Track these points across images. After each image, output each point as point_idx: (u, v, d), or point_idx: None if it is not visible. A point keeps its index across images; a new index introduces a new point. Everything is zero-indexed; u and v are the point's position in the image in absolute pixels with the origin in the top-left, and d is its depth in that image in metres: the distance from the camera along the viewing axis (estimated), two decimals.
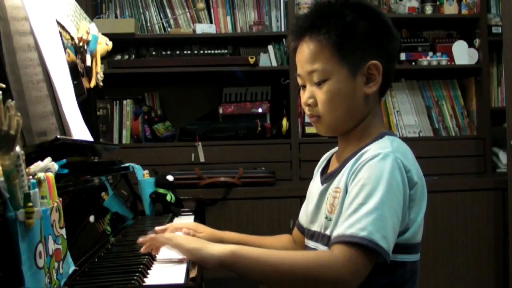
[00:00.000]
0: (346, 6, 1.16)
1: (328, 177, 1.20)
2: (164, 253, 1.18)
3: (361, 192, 1.04)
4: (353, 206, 1.04)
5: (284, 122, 2.94)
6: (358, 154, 1.11)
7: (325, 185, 1.20)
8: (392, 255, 1.06)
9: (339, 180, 1.14)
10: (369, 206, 1.02)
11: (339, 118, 1.16)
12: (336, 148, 1.29)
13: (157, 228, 1.34)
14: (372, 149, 1.10)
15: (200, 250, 1.03)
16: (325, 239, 1.15)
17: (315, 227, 1.21)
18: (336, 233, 1.05)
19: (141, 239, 1.14)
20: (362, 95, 1.15)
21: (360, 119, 1.18)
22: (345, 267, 1.00)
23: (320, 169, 1.30)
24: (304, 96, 1.19)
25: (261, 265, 1.03)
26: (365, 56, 1.14)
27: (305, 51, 1.17)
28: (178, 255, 1.11)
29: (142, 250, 1.13)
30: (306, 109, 1.21)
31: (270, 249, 1.10)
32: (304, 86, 1.20)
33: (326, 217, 1.15)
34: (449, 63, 3.06)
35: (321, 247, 1.17)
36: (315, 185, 1.27)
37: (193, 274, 1.02)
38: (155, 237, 1.12)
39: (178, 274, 1.02)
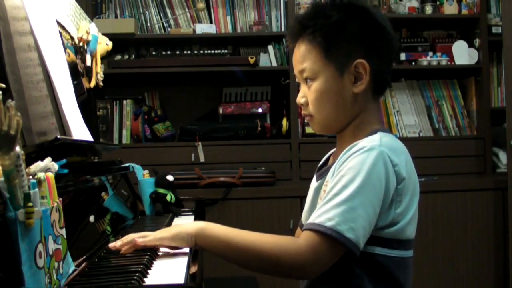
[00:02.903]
0: (335, 7, 1.17)
1: (322, 173, 1.22)
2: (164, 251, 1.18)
3: (339, 183, 1.06)
4: (329, 195, 1.06)
5: (284, 122, 2.95)
6: (347, 148, 1.12)
7: (319, 181, 1.22)
8: (376, 248, 1.08)
9: (329, 174, 1.16)
10: (341, 197, 1.04)
11: (329, 116, 1.18)
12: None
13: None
14: (360, 143, 1.11)
15: (180, 234, 1.10)
16: None
17: None
18: (308, 221, 1.07)
19: (117, 244, 1.15)
20: (350, 94, 1.16)
21: (352, 117, 1.19)
22: (304, 253, 1.03)
23: (318, 166, 1.32)
24: (298, 95, 1.22)
25: (224, 244, 1.08)
26: (352, 55, 1.15)
27: (296, 52, 1.20)
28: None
29: (122, 250, 1.15)
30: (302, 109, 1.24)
31: (239, 229, 1.12)
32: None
33: None
34: (449, 63, 3.06)
35: None
36: (312, 182, 1.29)
37: (193, 273, 1.03)
38: (133, 240, 1.14)
39: (178, 274, 1.02)
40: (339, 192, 1.05)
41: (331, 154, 1.31)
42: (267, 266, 1.07)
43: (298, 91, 1.24)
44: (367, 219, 1.04)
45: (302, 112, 1.24)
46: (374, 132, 1.15)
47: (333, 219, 1.02)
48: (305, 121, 2.93)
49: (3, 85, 1.01)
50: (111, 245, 1.17)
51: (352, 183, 1.04)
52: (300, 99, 1.21)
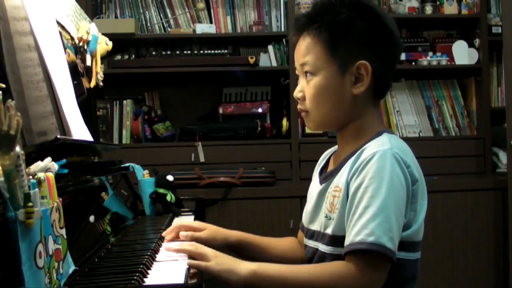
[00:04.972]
0: (344, 4, 1.16)
1: (327, 176, 1.21)
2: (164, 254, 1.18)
3: (365, 194, 1.05)
4: (359, 210, 1.05)
5: (284, 122, 2.94)
6: (357, 153, 1.11)
7: (324, 184, 1.20)
8: (400, 253, 1.08)
9: (339, 179, 1.14)
10: (374, 209, 1.03)
11: (325, 114, 1.18)
12: (335, 147, 1.29)
13: (166, 237, 1.33)
14: (371, 147, 1.10)
15: (229, 273, 1.07)
16: (326, 238, 1.15)
17: (315, 227, 1.21)
18: (346, 241, 1.06)
19: (173, 248, 1.16)
20: (349, 94, 1.15)
21: (350, 118, 1.18)
22: (360, 277, 1.03)
23: (319, 168, 1.30)
24: (296, 89, 1.22)
25: (280, 284, 1.06)
26: (356, 56, 1.13)
27: (300, 45, 1.19)
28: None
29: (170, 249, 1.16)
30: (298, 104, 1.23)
31: (288, 265, 1.11)
32: None
33: (326, 216, 1.16)
34: (449, 63, 3.06)
35: (321, 246, 1.17)
36: (314, 185, 1.27)
37: (193, 274, 1.03)
38: (188, 249, 1.13)
39: (178, 274, 1.02)
40: (369, 204, 1.04)
41: (331, 155, 1.30)
42: None
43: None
44: (398, 225, 1.05)
45: (298, 107, 1.23)
46: (379, 134, 1.14)
47: (373, 234, 1.02)
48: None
49: (3, 85, 1.01)
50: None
51: (379, 192, 1.03)
52: (297, 93, 1.21)
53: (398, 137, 1.16)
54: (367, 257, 1.02)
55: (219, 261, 1.10)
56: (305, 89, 1.19)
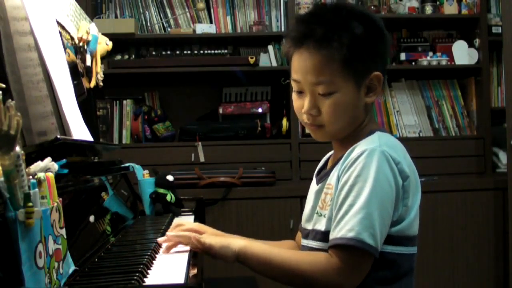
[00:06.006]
0: (353, 17, 1.14)
1: (322, 176, 1.23)
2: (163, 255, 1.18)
3: (351, 193, 1.07)
4: (344, 208, 1.08)
5: (284, 122, 2.95)
6: (348, 151, 1.13)
7: (320, 185, 1.22)
8: (387, 247, 1.10)
9: (331, 178, 1.17)
10: (357, 207, 1.06)
11: (343, 127, 1.18)
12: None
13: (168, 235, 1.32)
14: (360, 145, 1.12)
15: (226, 248, 1.13)
16: (318, 235, 1.17)
17: (310, 226, 1.23)
18: (330, 236, 1.09)
19: (164, 239, 1.21)
20: (363, 104, 1.17)
21: (358, 124, 1.20)
22: (339, 271, 1.06)
23: (317, 170, 1.31)
24: (306, 105, 1.16)
25: (264, 263, 1.11)
26: (370, 68, 1.15)
27: (307, 61, 1.13)
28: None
29: (167, 246, 1.20)
30: (305, 117, 1.18)
31: (275, 248, 1.16)
32: (300, 92, 1.18)
33: (317, 213, 1.19)
34: (449, 63, 3.06)
35: (311, 243, 1.20)
36: (312, 186, 1.29)
37: (193, 274, 1.03)
38: (182, 237, 1.19)
39: (178, 273, 1.02)
40: (353, 202, 1.06)
41: (329, 157, 1.31)
42: (305, 285, 1.10)
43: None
44: (382, 222, 1.06)
45: (311, 121, 1.17)
46: (372, 133, 1.16)
47: (353, 229, 1.05)
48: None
49: (3, 85, 1.01)
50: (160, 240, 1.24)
51: (364, 190, 1.06)
52: (310, 110, 1.15)
53: (389, 135, 1.18)
54: (347, 252, 1.05)
55: (215, 239, 1.16)
56: (319, 104, 1.15)
